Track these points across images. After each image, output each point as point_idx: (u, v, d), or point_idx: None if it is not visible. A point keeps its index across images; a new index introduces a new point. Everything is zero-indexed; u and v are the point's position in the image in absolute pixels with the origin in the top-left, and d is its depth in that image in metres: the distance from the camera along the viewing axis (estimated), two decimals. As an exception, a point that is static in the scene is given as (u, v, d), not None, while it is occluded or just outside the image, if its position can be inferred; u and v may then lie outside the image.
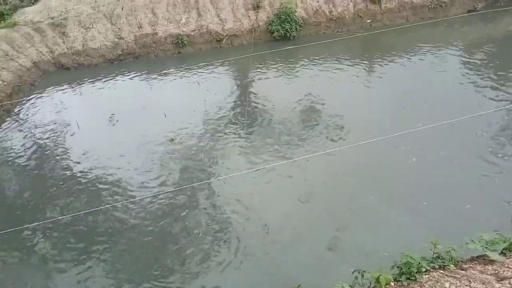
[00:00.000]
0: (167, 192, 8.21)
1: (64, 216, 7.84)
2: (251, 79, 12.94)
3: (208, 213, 7.67)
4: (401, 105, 10.50)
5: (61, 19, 15.29)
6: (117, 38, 14.85)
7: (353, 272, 4.89)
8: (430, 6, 15.79)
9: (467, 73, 11.67)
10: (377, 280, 4.41)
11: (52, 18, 15.35)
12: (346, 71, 12.78)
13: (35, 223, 7.70)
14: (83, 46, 14.70)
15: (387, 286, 4.57)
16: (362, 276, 4.74)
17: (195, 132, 10.22)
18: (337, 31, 15.51)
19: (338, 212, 7.26)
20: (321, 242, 6.71)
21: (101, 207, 7.92)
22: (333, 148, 8.84)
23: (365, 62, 13.25)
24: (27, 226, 7.63)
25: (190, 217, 7.62)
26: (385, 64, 12.93)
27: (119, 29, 15.08)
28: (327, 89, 11.67)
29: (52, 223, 7.70)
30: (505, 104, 9.88)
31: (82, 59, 14.63)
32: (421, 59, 13.01)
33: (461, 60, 12.60)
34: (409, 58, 13.12)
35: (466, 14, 15.72)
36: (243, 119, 10.56)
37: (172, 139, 9.96)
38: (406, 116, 9.87)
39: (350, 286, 4.80)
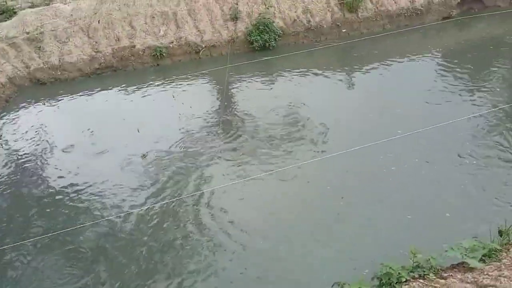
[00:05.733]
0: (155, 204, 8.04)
1: (48, 235, 7.62)
2: (231, 90, 12.88)
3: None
4: (380, 112, 10.54)
5: (36, 34, 15.04)
6: (94, 52, 14.65)
7: (332, 285, 4.82)
8: (406, 14, 15.98)
9: (444, 79, 11.79)
10: (357, 292, 4.34)
11: (28, 33, 15.10)
12: (326, 80, 12.79)
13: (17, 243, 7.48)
14: (59, 60, 14.45)
15: (367, 298, 4.50)
16: (342, 288, 4.66)
17: (172, 145, 10.07)
18: (316, 41, 15.59)
19: (321, 221, 7.17)
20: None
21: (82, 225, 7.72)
22: (315, 159, 8.81)
23: (345, 70, 13.30)
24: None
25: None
26: (364, 72, 12.99)
27: (96, 42, 14.90)
28: (308, 98, 11.59)
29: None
30: (482, 110, 9.99)
31: (59, 73, 14.37)
32: (398, 67, 13.14)
33: (438, 66, 12.76)
34: (387, 66, 13.22)
35: (441, 21, 15.98)
36: (221, 130, 10.49)
37: (144, 155, 9.78)
38: (385, 123, 9.91)
39: (330, 299, 4.73)
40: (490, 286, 3.99)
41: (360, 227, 6.86)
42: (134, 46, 14.78)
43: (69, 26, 15.30)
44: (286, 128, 10.25)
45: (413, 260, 4.72)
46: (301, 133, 9.98)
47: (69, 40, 14.93)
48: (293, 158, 9.02)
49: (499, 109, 9.84)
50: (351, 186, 7.95)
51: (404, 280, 4.48)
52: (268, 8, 15.51)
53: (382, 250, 6.15)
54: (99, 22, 14.95)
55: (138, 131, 10.63)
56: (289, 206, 7.67)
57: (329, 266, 6.14)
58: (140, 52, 14.75)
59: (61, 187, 9.11)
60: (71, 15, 15.74)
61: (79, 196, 8.73)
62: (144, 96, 12.87)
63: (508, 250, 4.67)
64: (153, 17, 15.52)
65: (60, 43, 14.85)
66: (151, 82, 13.60)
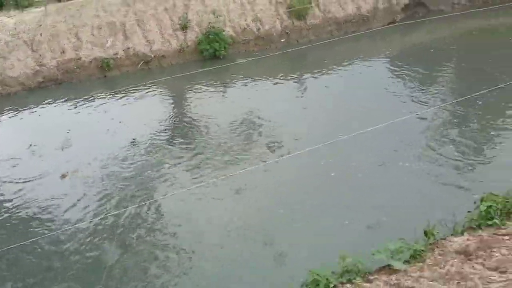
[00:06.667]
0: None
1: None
2: (181, 100, 12.76)
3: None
4: (331, 116, 10.67)
5: (-24, 48, 14.44)
6: (38, 65, 14.20)
7: (263, 296, 4.77)
8: (353, 21, 16.39)
9: (388, 82, 12.10)
10: (283, 302, 4.30)
11: (-34, 48, 14.48)
12: (277, 87, 12.85)
13: None
14: (1, 75, 13.92)
15: (295, 307, 4.47)
16: (272, 299, 4.62)
17: (119, 157, 9.83)
18: (266, 48, 15.69)
19: (262, 228, 7.13)
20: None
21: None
22: (264, 163, 8.79)
23: (295, 77, 13.43)
24: None
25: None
26: (315, 78, 13.16)
27: (40, 55, 14.43)
28: (259, 105, 11.55)
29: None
30: (426, 109, 10.28)
31: (0, 88, 13.84)
32: (346, 71, 13.41)
33: (383, 70, 13.11)
34: (336, 71, 13.46)
35: (386, 26, 16.46)
36: (172, 138, 10.36)
37: (64, 175, 9.36)
38: (332, 127, 10.00)
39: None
40: (411, 287, 4.04)
41: (298, 233, 6.85)
42: (79, 58, 14.42)
43: (12, 40, 14.76)
44: (238, 136, 10.19)
45: (342, 265, 4.72)
46: (253, 139, 9.95)
47: (11, 54, 14.40)
48: (245, 164, 8.93)
49: (441, 108, 10.17)
50: (292, 193, 7.95)
51: (332, 286, 4.48)
52: (217, 17, 15.48)
53: (320, 256, 6.13)
54: (41, 35, 14.49)
55: (62, 150, 10.38)
56: (232, 214, 7.58)
57: (266, 275, 6.08)
58: (86, 64, 14.41)
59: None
60: (15, 28, 15.19)
61: (17, 214, 8.35)
62: (88, 108, 12.51)
63: (433, 250, 4.75)
64: (100, 28, 15.20)
65: (1, 58, 14.29)
66: (96, 94, 13.25)
